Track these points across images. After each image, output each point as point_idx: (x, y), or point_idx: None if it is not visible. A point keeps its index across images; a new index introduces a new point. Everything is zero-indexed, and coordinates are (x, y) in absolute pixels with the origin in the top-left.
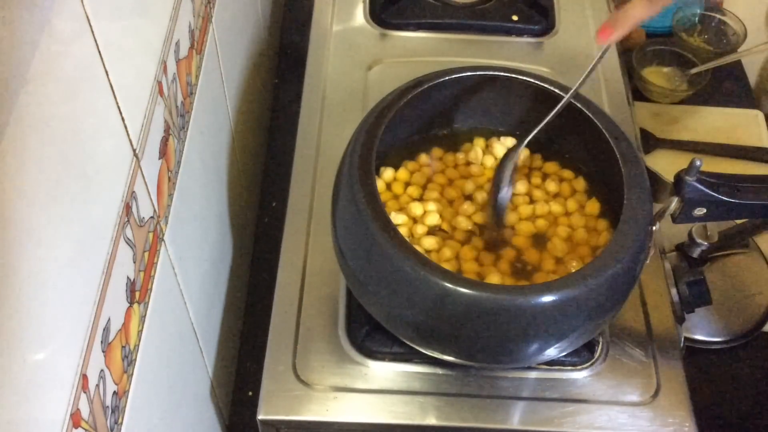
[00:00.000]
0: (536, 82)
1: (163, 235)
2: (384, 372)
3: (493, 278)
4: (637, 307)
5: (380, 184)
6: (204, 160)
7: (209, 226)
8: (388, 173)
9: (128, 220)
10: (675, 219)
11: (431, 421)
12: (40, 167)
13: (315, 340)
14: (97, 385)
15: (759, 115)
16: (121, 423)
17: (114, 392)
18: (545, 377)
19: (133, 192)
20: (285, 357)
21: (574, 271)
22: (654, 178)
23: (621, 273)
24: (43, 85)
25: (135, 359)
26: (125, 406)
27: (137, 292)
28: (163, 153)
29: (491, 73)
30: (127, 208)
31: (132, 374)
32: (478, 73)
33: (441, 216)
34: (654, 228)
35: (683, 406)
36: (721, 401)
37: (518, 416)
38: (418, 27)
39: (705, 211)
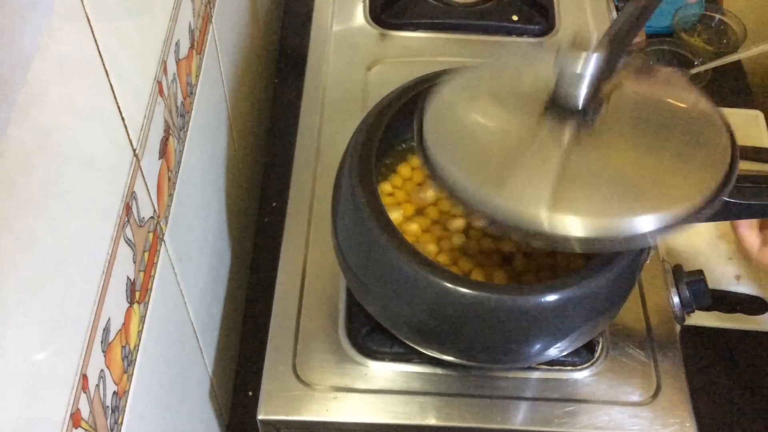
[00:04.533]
0: None
1: (163, 235)
2: (384, 372)
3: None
4: (637, 307)
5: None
6: (204, 160)
7: (209, 225)
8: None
9: (128, 220)
10: None
11: (431, 421)
12: (40, 167)
13: (315, 340)
14: (97, 385)
15: (759, 115)
16: (121, 423)
17: (114, 392)
18: (545, 377)
19: (133, 192)
20: (285, 357)
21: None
22: None
23: (621, 273)
24: (43, 85)
25: (135, 359)
26: (125, 406)
27: (137, 292)
28: (163, 153)
29: None
30: (127, 208)
31: (132, 374)
32: None
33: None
34: None
35: (683, 406)
36: (721, 401)
37: (518, 416)
38: (418, 27)
39: None
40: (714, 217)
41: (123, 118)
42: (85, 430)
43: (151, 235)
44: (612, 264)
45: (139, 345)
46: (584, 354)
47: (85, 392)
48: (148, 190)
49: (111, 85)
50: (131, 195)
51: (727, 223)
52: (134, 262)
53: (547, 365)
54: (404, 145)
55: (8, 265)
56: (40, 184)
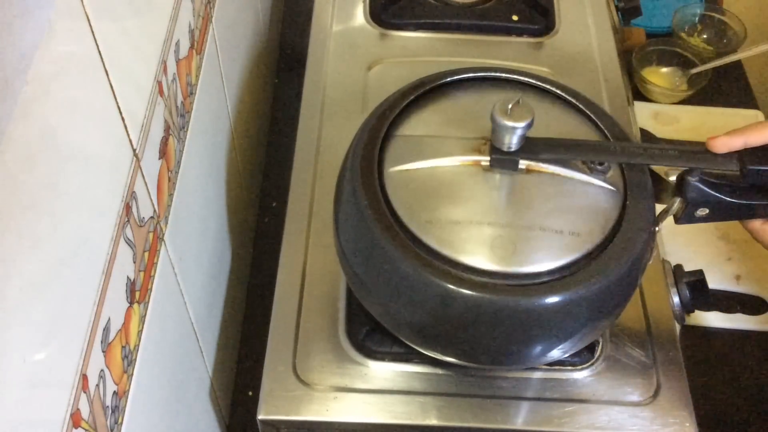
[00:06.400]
0: (536, 82)
1: (163, 235)
2: (384, 372)
3: None
4: (637, 307)
5: None
6: (204, 160)
7: (209, 226)
8: None
9: (128, 220)
10: (677, 220)
11: (431, 421)
12: (40, 167)
13: (315, 340)
14: (97, 385)
15: (759, 115)
16: (121, 423)
17: (114, 392)
18: (545, 377)
19: (133, 192)
20: (285, 357)
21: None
22: (656, 178)
23: (623, 275)
24: (43, 86)
25: (135, 359)
26: (125, 406)
27: (137, 292)
28: (163, 153)
29: (492, 74)
30: (127, 208)
31: (132, 374)
32: (479, 74)
33: None
34: (656, 229)
35: (683, 406)
36: (721, 401)
37: (518, 416)
38: (418, 27)
39: (707, 211)
40: (715, 218)
41: (123, 118)
42: (85, 430)
43: (151, 235)
44: (614, 265)
45: (139, 345)
46: (584, 354)
47: (85, 392)
48: (148, 190)
49: (111, 84)
50: (131, 195)
51: (727, 223)
52: (134, 262)
53: (547, 365)
54: None
55: (10, 265)
56: (40, 184)
